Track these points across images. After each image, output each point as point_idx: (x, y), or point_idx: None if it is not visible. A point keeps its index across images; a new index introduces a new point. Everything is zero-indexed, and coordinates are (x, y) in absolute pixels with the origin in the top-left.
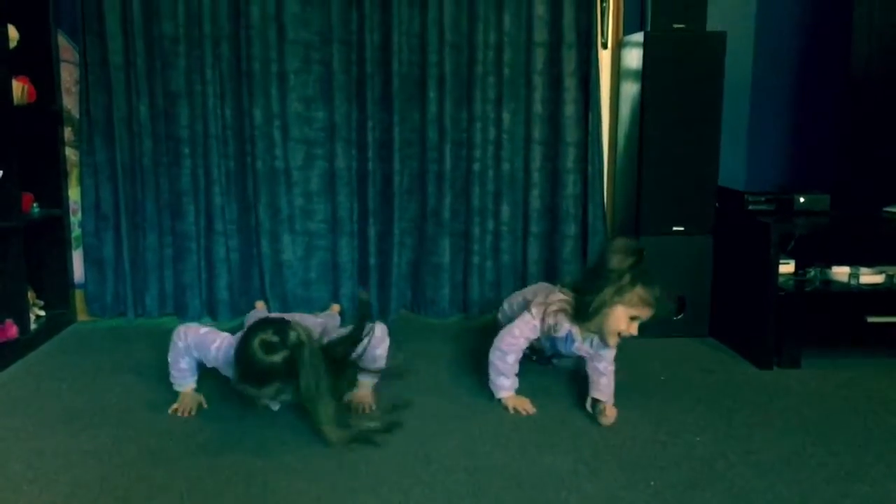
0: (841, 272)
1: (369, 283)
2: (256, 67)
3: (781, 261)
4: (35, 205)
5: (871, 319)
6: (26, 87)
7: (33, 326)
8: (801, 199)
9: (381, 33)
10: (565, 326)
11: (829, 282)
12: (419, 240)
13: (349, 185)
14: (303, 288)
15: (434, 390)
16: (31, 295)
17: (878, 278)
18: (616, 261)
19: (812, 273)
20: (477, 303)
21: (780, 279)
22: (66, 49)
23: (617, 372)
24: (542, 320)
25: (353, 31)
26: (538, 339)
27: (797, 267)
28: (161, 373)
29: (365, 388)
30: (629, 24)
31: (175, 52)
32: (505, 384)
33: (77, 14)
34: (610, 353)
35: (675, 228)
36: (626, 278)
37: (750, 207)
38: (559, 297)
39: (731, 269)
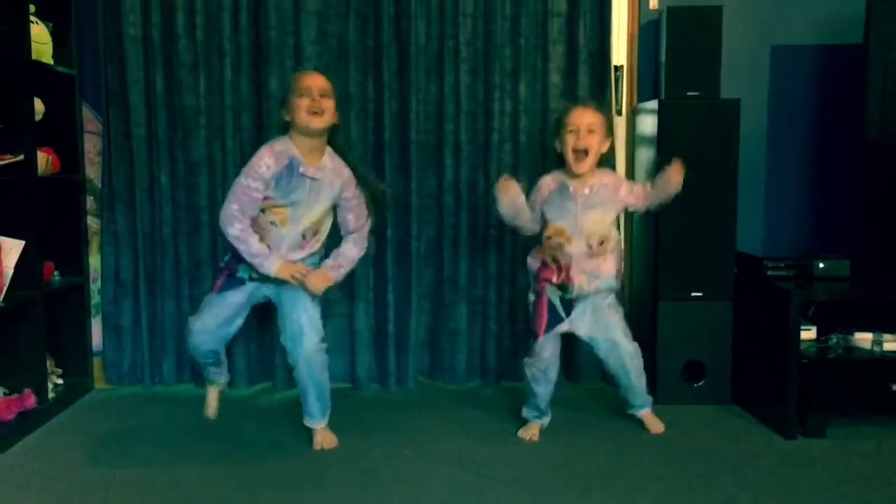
0: (864, 339)
1: (387, 350)
2: (275, 136)
3: (802, 327)
4: (56, 273)
5: None
6: (51, 157)
7: (51, 395)
8: (821, 265)
9: (399, 102)
10: (555, 177)
11: (851, 349)
12: (436, 306)
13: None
14: None
15: (452, 460)
16: (49, 363)
17: None
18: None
19: (834, 340)
20: (494, 369)
21: (802, 346)
22: (90, 121)
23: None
24: (539, 190)
25: (371, 99)
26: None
27: (819, 333)
28: (178, 442)
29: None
30: (643, 91)
31: (196, 123)
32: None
33: (101, 87)
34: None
35: (693, 294)
36: (560, 116)
37: (769, 273)
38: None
39: (752, 336)
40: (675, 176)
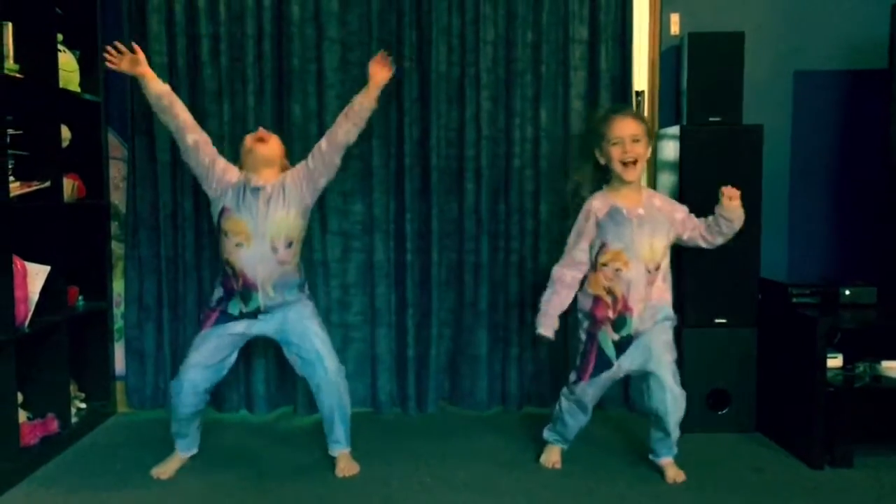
0: (891, 367)
1: (408, 375)
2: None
3: (828, 355)
4: (80, 298)
5: None
6: (76, 183)
7: (74, 419)
8: (847, 292)
9: (420, 128)
10: (604, 201)
11: (879, 377)
12: (457, 331)
13: (388, 277)
14: None
15: (472, 488)
16: (72, 387)
17: None
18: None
19: (861, 368)
20: (516, 395)
21: (828, 374)
22: (115, 147)
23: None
24: (587, 215)
25: (393, 126)
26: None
27: (845, 361)
28: (199, 467)
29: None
30: (665, 117)
31: (220, 150)
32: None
33: (127, 114)
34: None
35: (717, 321)
36: (595, 126)
37: (794, 300)
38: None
39: (777, 363)
40: (732, 198)
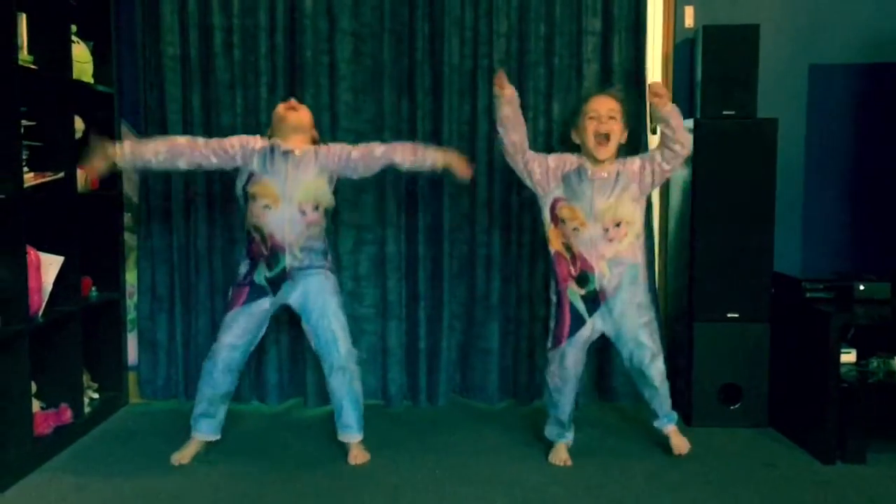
0: None
1: (419, 368)
2: None
3: (842, 351)
4: (94, 288)
5: None
6: (90, 175)
7: (87, 409)
8: (861, 287)
9: (433, 121)
10: (577, 159)
11: (892, 373)
12: (468, 324)
13: (399, 270)
14: None
15: (483, 481)
16: (85, 377)
17: None
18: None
19: (875, 364)
20: (526, 388)
21: (842, 370)
22: (128, 138)
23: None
24: (556, 159)
25: (405, 118)
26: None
27: (859, 357)
28: (211, 457)
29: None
30: (679, 109)
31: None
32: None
33: (140, 105)
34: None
35: (729, 315)
36: (577, 105)
37: (808, 295)
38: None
39: (790, 358)
40: (658, 94)
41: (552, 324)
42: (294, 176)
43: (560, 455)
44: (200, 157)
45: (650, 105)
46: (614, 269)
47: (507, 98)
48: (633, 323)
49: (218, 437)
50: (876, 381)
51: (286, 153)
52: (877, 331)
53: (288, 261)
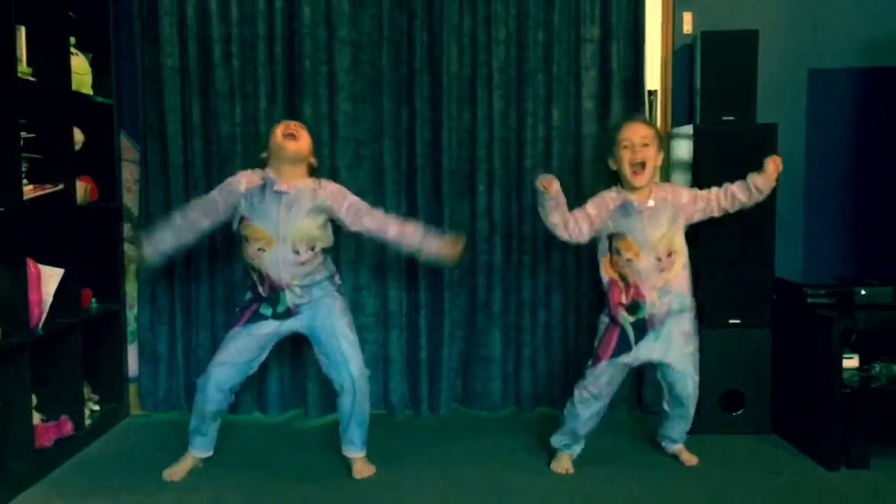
0: None
1: (420, 377)
2: None
3: (844, 356)
4: (94, 300)
5: None
6: (89, 186)
7: (87, 421)
8: (863, 292)
9: (432, 129)
10: (618, 194)
11: (895, 378)
12: (469, 332)
13: (399, 279)
14: None
15: (485, 490)
16: (86, 389)
17: None
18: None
19: (878, 369)
20: (529, 396)
21: (844, 375)
22: (127, 149)
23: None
24: (596, 205)
25: (404, 126)
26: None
27: (861, 362)
28: (213, 469)
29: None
30: (678, 116)
31: (232, 151)
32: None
33: (139, 116)
34: (689, 192)
35: (731, 321)
36: (608, 133)
37: (809, 301)
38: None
39: (792, 364)
40: (772, 167)
41: (596, 343)
42: (286, 216)
43: (562, 464)
44: (214, 213)
45: (767, 172)
46: (664, 297)
47: (554, 198)
48: (679, 352)
49: (210, 453)
50: (879, 386)
51: (278, 193)
52: (879, 335)
53: (289, 299)
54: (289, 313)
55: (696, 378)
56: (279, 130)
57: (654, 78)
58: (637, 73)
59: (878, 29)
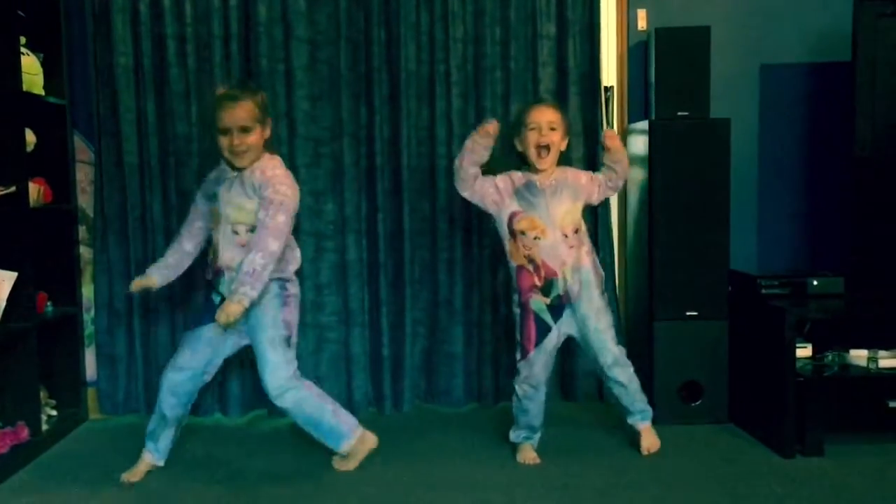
0: (859, 356)
1: (383, 374)
2: None
3: (798, 345)
4: (49, 304)
5: (892, 404)
6: (42, 188)
7: (45, 427)
8: (815, 283)
9: (391, 127)
10: (520, 176)
11: (847, 366)
12: (431, 329)
13: (360, 277)
14: (316, 382)
15: (449, 485)
16: (42, 394)
17: None
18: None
19: (830, 357)
20: (491, 391)
21: (798, 364)
22: (81, 150)
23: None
24: (503, 179)
25: (363, 125)
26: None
27: (814, 351)
28: (174, 472)
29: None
30: (634, 111)
31: (188, 151)
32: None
33: (93, 116)
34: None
35: (688, 314)
36: (517, 116)
37: (763, 292)
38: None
39: (748, 354)
40: (611, 138)
41: (518, 335)
42: (227, 198)
43: (528, 454)
44: (199, 231)
45: (605, 149)
46: (574, 274)
47: (486, 144)
48: (594, 326)
49: (160, 463)
50: (831, 374)
51: (229, 180)
52: (831, 325)
53: (225, 286)
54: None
55: (617, 350)
56: (224, 143)
57: (610, 74)
58: (593, 69)
59: (827, 25)
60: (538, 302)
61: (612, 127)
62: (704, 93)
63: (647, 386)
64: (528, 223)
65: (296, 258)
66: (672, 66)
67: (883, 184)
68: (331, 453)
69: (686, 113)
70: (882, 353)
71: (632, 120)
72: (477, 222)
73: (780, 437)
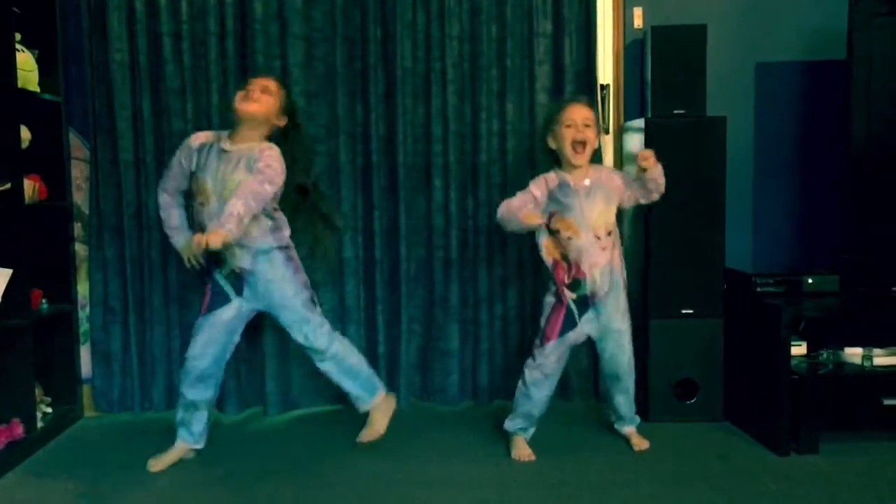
0: (854, 354)
1: (378, 372)
2: None
3: (793, 343)
4: (44, 301)
5: (887, 402)
6: (37, 185)
7: (40, 424)
8: (810, 280)
9: (387, 125)
10: (556, 175)
11: (842, 364)
12: (427, 327)
13: (356, 274)
14: (311, 379)
15: (444, 483)
16: (38, 391)
17: (893, 359)
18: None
19: (825, 355)
20: (487, 389)
21: (793, 362)
22: (77, 147)
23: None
24: (539, 184)
25: (359, 122)
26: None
27: (809, 349)
28: (169, 469)
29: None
30: (630, 109)
31: None
32: (526, 208)
33: (88, 113)
34: (616, 175)
35: (684, 312)
36: (552, 113)
37: (758, 290)
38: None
39: (743, 352)
40: (647, 158)
41: (542, 322)
42: (224, 172)
43: (522, 450)
44: (181, 179)
45: (639, 169)
46: (604, 276)
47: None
48: (616, 328)
49: (198, 446)
50: (826, 372)
51: (223, 151)
52: (826, 323)
53: (230, 262)
54: (236, 277)
55: (630, 353)
56: (240, 93)
57: (606, 72)
58: (589, 67)
59: (823, 23)
60: (569, 294)
61: (608, 123)
62: (700, 91)
63: (642, 383)
64: (563, 224)
65: (286, 223)
66: (668, 64)
67: (878, 182)
68: (332, 446)
69: (682, 111)
70: (877, 350)
71: (628, 118)
72: (472, 221)
73: (775, 435)
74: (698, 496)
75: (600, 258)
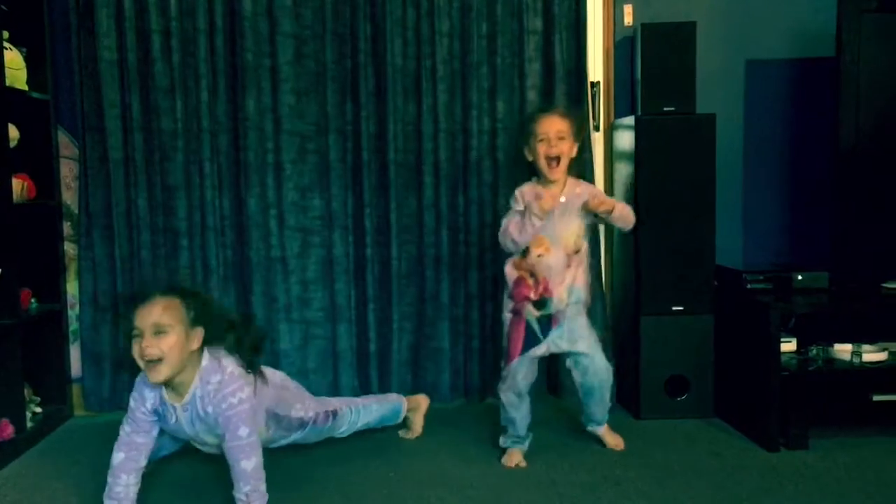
0: (843, 350)
1: (370, 370)
2: (252, 158)
3: (783, 339)
4: (33, 300)
5: (876, 398)
6: (26, 184)
7: (29, 424)
8: (800, 277)
9: (377, 122)
10: (531, 188)
11: (831, 360)
12: (418, 325)
13: (347, 272)
14: (301, 377)
15: (436, 482)
16: (27, 391)
17: (882, 356)
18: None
19: (814, 351)
20: (478, 387)
21: (783, 358)
22: (66, 145)
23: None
24: (517, 200)
25: (349, 120)
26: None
27: (799, 345)
28: (158, 468)
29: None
30: (620, 107)
31: (174, 146)
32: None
33: (77, 111)
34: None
35: (674, 308)
36: (524, 125)
37: (749, 286)
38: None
39: (733, 349)
40: (600, 205)
41: (504, 342)
42: (192, 434)
43: (513, 458)
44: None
45: (599, 214)
46: (568, 294)
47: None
48: (586, 338)
49: None
50: (816, 368)
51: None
52: (815, 319)
53: None
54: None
55: (605, 364)
56: (135, 347)
57: (596, 69)
58: (580, 65)
59: (812, 21)
60: (529, 312)
61: (599, 120)
62: (690, 88)
63: (633, 380)
64: (536, 240)
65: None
66: (658, 61)
67: (867, 179)
68: (322, 444)
69: (672, 108)
70: (866, 346)
71: (618, 115)
72: (463, 219)
73: (765, 431)
74: (689, 492)
75: (567, 276)
